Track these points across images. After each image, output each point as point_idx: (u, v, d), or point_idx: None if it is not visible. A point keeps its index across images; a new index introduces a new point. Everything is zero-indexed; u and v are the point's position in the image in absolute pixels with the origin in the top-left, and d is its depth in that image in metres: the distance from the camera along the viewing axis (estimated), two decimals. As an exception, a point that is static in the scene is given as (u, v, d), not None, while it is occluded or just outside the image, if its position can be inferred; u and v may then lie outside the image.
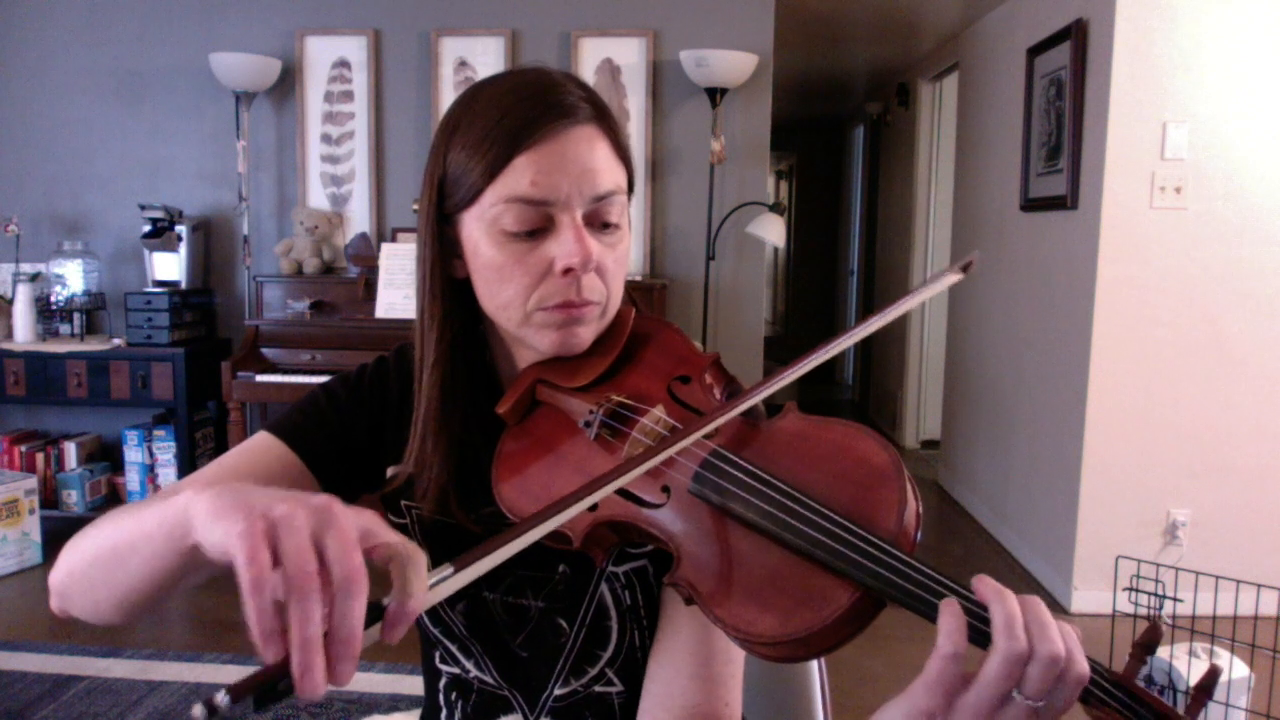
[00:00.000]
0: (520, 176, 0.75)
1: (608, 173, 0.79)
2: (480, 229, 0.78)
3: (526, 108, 0.76)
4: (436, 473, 0.82)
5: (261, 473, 0.82)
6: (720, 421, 0.70)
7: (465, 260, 0.82)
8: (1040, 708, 0.56)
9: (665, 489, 0.70)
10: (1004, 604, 0.56)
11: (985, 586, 0.58)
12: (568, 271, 0.77)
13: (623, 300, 0.85)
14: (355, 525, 0.52)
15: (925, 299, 0.76)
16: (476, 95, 0.80)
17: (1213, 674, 0.59)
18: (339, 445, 0.87)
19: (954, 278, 0.77)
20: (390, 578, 0.53)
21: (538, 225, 0.77)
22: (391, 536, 0.54)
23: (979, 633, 0.57)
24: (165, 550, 0.59)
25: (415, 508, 0.88)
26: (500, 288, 0.79)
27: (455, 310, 0.83)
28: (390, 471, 0.89)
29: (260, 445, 0.85)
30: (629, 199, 0.83)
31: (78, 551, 0.69)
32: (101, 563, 0.66)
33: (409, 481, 0.87)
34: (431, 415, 0.82)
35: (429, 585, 0.54)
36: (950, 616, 0.56)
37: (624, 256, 0.83)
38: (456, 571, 0.56)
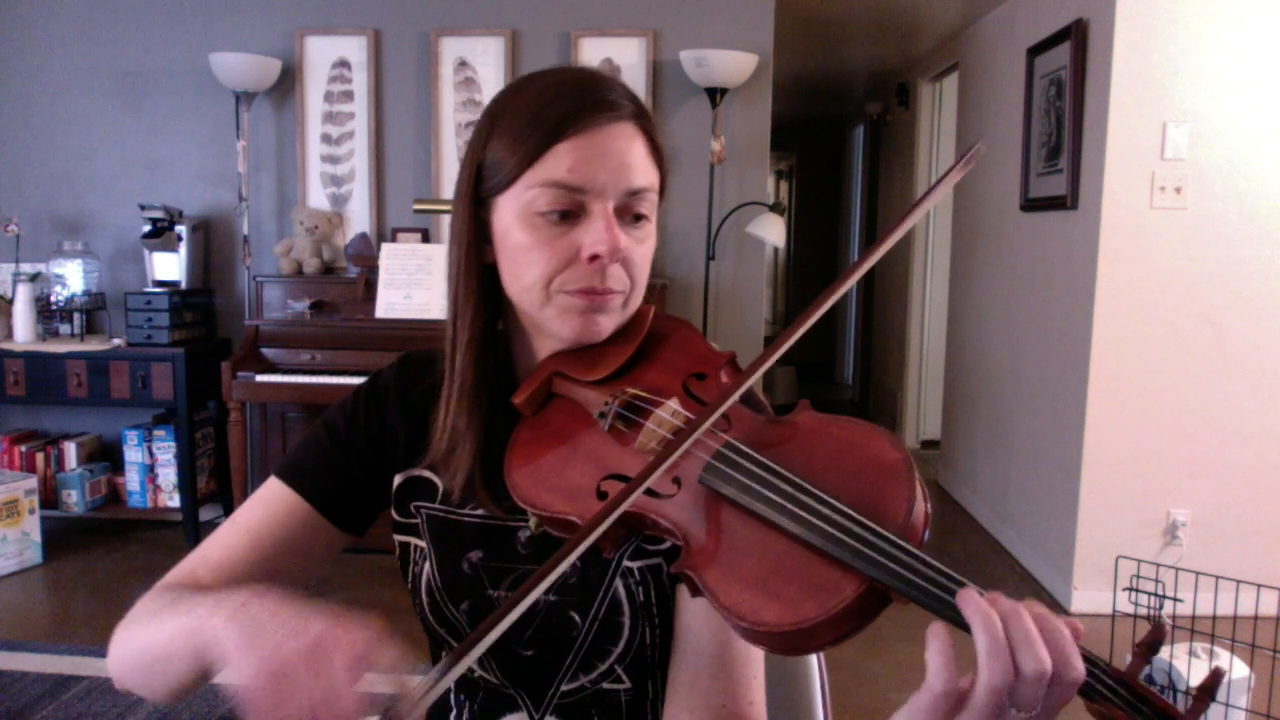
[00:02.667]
0: (559, 162, 0.77)
1: (643, 170, 0.81)
2: (513, 212, 0.80)
3: (571, 100, 0.78)
4: (470, 450, 0.83)
5: (275, 527, 0.86)
6: (734, 399, 0.71)
7: (495, 244, 0.84)
8: (1036, 714, 0.56)
9: (676, 480, 0.71)
10: (988, 628, 0.55)
11: (969, 606, 0.56)
12: (594, 259, 0.79)
13: (643, 299, 0.87)
14: (349, 657, 0.59)
15: (933, 205, 0.75)
16: (522, 86, 0.82)
17: (1216, 676, 0.58)
18: (345, 481, 0.89)
19: (958, 175, 0.74)
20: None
21: (570, 208, 0.79)
22: (386, 656, 0.60)
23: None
24: (189, 666, 0.70)
25: (425, 508, 0.89)
26: (526, 269, 0.81)
27: (487, 293, 0.86)
28: (399, 478, 0.90)
29: (270, 496, 0.87)
30: (660, 200, 0.85)
31: (122, 649, 0.78)
32: (140, 668, 0.76)
33: (419, 483, 0.88)
34: (465, 393, 0.84)
35: (427, 690, 0.60)
36: (937, 654, 0.56)
37: (650, 252, 0.85)
38: (450, 667, 0.61)
